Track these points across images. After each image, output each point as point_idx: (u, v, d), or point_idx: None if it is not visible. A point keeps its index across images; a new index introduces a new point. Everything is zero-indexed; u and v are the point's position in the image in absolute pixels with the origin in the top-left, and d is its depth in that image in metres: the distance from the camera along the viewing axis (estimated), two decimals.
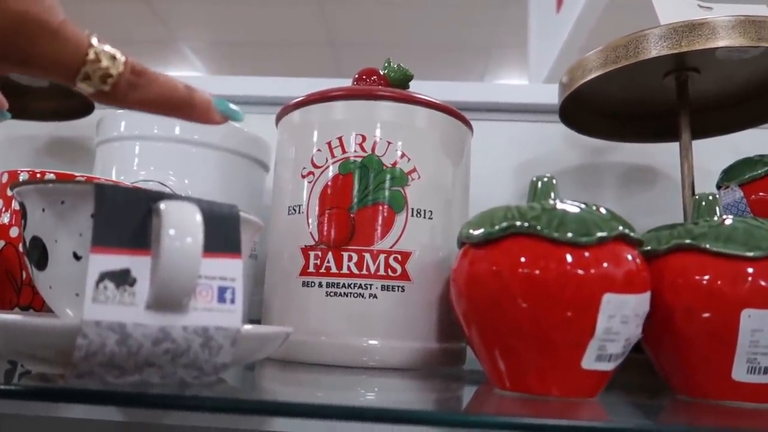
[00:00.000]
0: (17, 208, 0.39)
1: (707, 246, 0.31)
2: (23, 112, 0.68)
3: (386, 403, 0.29)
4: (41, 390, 0.24)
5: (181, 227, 0.23)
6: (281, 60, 2.68)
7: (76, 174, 0.39)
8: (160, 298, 0.23)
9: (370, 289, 0.41)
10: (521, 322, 0.29)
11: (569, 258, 0.28)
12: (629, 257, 0.30)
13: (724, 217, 0.33)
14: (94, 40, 0.25)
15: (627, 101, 0.58)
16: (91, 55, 0.25)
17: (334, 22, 2.40)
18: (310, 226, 0.43)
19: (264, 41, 2.56)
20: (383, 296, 0.41)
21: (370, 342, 0.40)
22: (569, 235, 0.29)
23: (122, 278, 0.23)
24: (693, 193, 0.49)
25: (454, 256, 0.34)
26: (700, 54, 0.45)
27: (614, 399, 0.32)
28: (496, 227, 0.30)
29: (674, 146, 0.60)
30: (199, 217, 0.24)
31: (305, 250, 0.42)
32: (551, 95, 0.68)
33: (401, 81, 0.47)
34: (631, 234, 0.30)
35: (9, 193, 0.39)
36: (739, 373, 0.30)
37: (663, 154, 0.68)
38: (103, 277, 0.22)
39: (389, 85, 0.47)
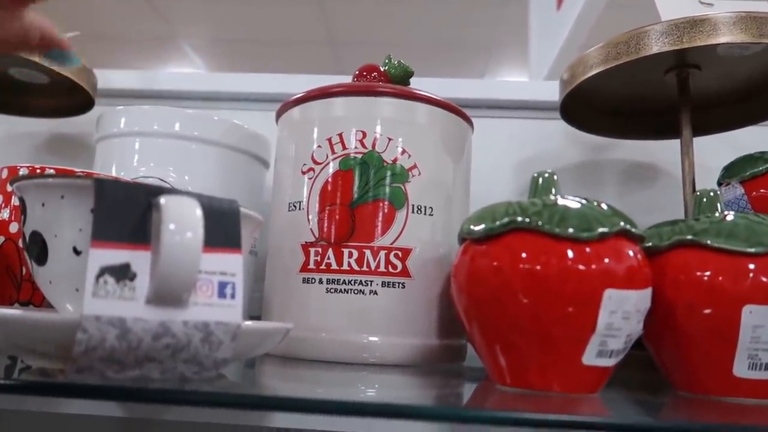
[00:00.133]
0: (17, 203, 0.39)
1: (709, 242, 0.31)
2: (23, 109, 0.68)
3: (386, 399, 0.29)
4: (41, 385, 0.24)
5: (182, 222, 0.23)
6: (281, 59, 2.68)
7: (76, 170, 0.39)
8: (160, 293, 0.23)
9: (371, 285, 0.41)
10: (522, 318, 0.29)
11: (570, 253, 0.28)
12: (631, 253, 0.30)
13: (726, 213, 0.33)
14: None
15: (628, 98, 0.58)
16: None
17: (335, 21, 2.40)
18: (311, 223, 0.43)
19: (264, 39, 2.56)
20: (384, 293, 0.41)
21: (371, 338, 0.40)
22: (570, 230, 0.29)
23: (122, 273, 0.23)
24: (694, 191, 0.49)
25: (455, 253, 0.34)
26: (702, 50, 0.45)
27: (615, 395, 0.32)
28: (497, 223, 0.30)
29: (675, 143, 0.59)
30: (199, 212, 0.24)
31: (305, 247, 0.42)
32: (552, 92, 0.68)
33: (402, 77, 0.47)
34: (633, 230, 0.30)
35: (9, 188, 0.39)
36: (741, 369, 0.30)
37: (664, 151, 0.68)
38: (103, 271, 0.22)
39: (390, 81, 0.47)
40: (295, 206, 0.44)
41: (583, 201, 0.31)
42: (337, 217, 0.42)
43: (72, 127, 0.76)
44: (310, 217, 0.43)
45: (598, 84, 0.51)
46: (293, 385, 0.33)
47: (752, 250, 0.30)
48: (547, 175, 0.33)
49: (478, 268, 0.30)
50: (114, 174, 0.51)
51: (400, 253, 0.41)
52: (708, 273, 0.30)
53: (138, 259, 0.23)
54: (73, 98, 0.64)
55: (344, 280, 0.41)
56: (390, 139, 0.43)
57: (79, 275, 0.26)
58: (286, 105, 0.47)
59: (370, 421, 0.29)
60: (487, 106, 0.72)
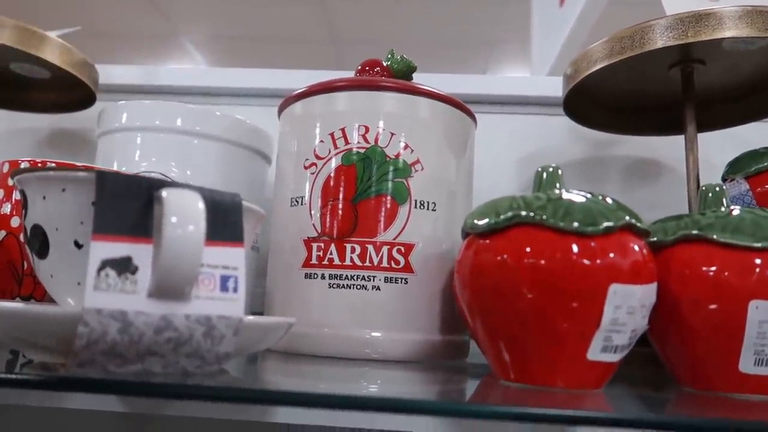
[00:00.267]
0: (18, 198, 0.39)
1: (714, 237, 0.31)
2: (24, 105, 0.67)
3: (388, 394, 0.29)
4: (42, 379, 0.24)
5: (183, 215, 0.23)
6: (283, 56, 2.68)
7: (78, 164, 0.39)
8: (162, 286, 0.22)
9: (373, 281, 0.40)
10: (526, 313, 0.29)
11: (575, 248, 0.28)
12: (636, 247, 0.29)
13: (732, 207, 0.32)
14: None
15: (631, 93, 0.57)
16: None
17: (336, 18, 2.39)
18: (313, 218, 0.42)
19: (266, 37, 2.56)
20: (386, 288, 0.40)
21: (373, 334, 0.40)
22: (575, 224, 0.28)
23: (124, 266, 0.22)
24: (698, 186, 0.49)
25: (458, 248, 0.34)
26: (707, 45, 0.45)
27: (619, 391, 0.32)
28: (501, 217, 0.30)
29: (679, 139, 0.59)
30: (201, 205, 0.23)
31: (308, 242, 0.42)
32: (555, 88, 0.68)
33: (404, 72, 0.47)
34: (638, 224, 0.30)
35: (10, 182, 0.39)
36: (746, 365, 0.30)
37: (668, 147, 0.68)
38: (105, 264, 0.22)
39: (392, 76, 0.47)
40: (297, 201, 0.44)
41: (588, 195, 0.30)
42: (339, 212, 0.42)
43: (73, 122, 0.75)
44: (312, 212, 0.43)
45: (601, 79, 0.51)
46: (295, 380, 0.33)
47: (758, 245, 0.30)
48: (551, 169, 0.33)
49: (482, 262, 0.30)
50: (116, 169, 0.51)
51: (402, 249, 0.41)
52: (714, 268, 0.30)
53: (140, 252, 0.23)
54: (74, 93, 0.64)
55: (347, 276, 0.41)
56: (393, 134, 0.42)
57: (80, 268, 0.26)
58: (289, 100, 0.47)
59: (373, 416, 0.28)
60: (490, 101, 0.71)
